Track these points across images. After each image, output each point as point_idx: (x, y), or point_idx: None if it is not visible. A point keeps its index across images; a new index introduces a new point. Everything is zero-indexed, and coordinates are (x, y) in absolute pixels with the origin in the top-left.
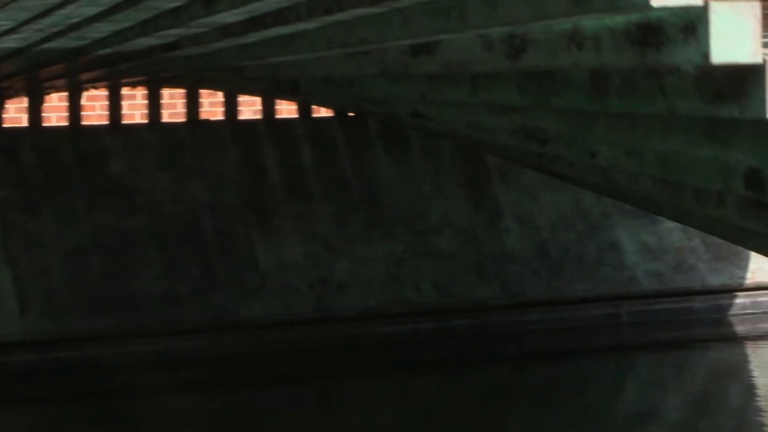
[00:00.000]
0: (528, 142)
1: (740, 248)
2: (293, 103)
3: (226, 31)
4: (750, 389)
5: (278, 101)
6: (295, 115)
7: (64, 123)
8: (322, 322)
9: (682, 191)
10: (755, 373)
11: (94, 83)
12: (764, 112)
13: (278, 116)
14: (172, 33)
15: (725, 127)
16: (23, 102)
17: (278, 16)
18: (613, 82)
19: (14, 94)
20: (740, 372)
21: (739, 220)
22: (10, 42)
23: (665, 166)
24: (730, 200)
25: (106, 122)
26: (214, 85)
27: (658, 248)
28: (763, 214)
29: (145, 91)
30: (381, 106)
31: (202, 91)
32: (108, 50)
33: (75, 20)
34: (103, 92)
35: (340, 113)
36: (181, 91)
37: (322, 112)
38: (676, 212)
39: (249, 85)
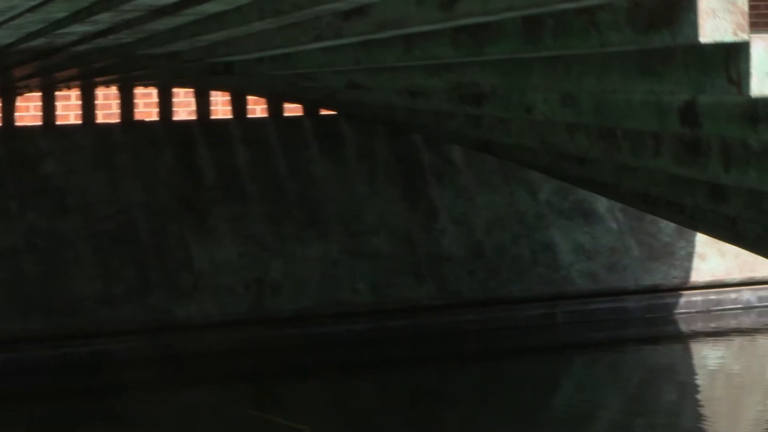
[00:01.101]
0: (464, 105)
1: (674, 248)
2: (227, 93)
3: (159, 11)
4: (682, 388)
5: (213, 102)
6: (229, 116)
7: None
8: (257, 322)
9: (618, 146)
10: (687, 372)
11: (67, 82)
12: (696, 35)
13: (213, 117)
14: (104, 18)
15: (658, 59)
16: None
17: None
18: (546, 24)
19: None
20: (673, 371)
21: (675, 169)
22: None
23: (601, 112)
24: (665, 148)
25: (39, 123)
26: (148, 77)
27: (593, 248)
28: (699, 160)
29: (79, 92)
30: (315, 82)
31: (137, 92)
32: (41, 41)
33: (9, 15)
34: (37, 93)
35: (275, 112)
36: (116, 91)
37: (257, 112)
38: (613, 177)
39: (183, 72)
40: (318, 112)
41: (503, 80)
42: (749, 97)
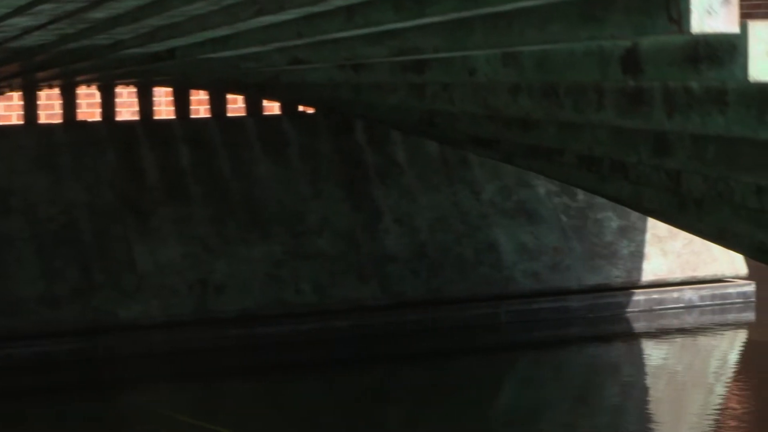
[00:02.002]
0: (407, 74)
1: (616, 248)
2: (170, 93)
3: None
4: (626, 387)
5: (156, 103)
6: (172, 116)
7: None
8: (201, 323)
9: (561, 104)
10: (631, 371)
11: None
12: None
13: (156, 117)
14: (45, 9)
15: (600, 4)
16: None
17: None
18: None
19: None
20: (616, 370)
21: (619, 121)
22: None
23: (543, 68)
24: (608, 101)
25: None
26: (90, 70)
27: (536, 248)
28: (642, 109)
29: (21, 93)
30: (258, 62)
31: (80, 92)
32: None
33: None
34: None
35: (218, 112)
36: (58, 92)
37: (201, 113)
38: (557, 141)
39: (126, 61)
40: (261, 110)
41: (445, 42)
42: (690, 34)
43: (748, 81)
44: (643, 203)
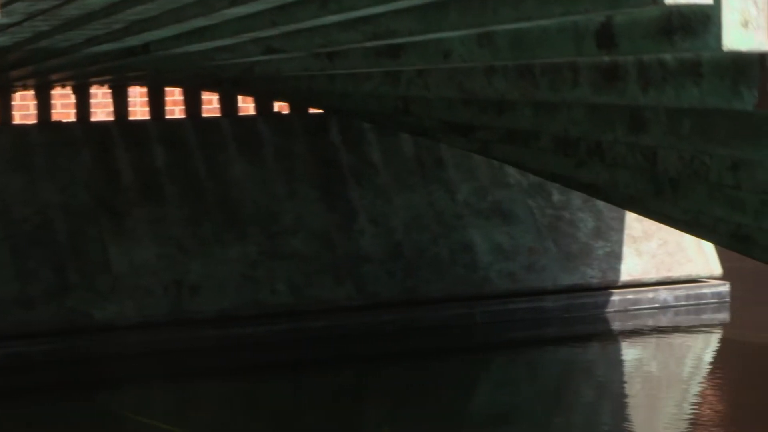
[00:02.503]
0: (381, 59)
1: (591, 248)
2: (145, 94)
3: None
4: (600, 387)
5: (131, 103)
6: (147, 117)
7: None
8: (176, 324)
9: (536, 83)
10: (606, 371)
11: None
12: None
13: (131, 118)
14: (18, 9)
15: None
16: None
17: None
18: None
19: None
20: (591, 370)
21: (594, 97)
22: None
23: (517, 47)
24: (583, 78)
25: None
26: (64, 68)
27: (511, 248)
28: (617, 84)
29: None
30: (233, 53)
31: (54, 93)
32: None
33: None
34: None
35: (193, 113)
36: (33, 93)
37: (176, 113)
38: (532, 123)
39: (100, 59)
40: (236, 111)
41: (420, 24)
42: (663, 6)
43: (722, 51)
44: (619, 189)
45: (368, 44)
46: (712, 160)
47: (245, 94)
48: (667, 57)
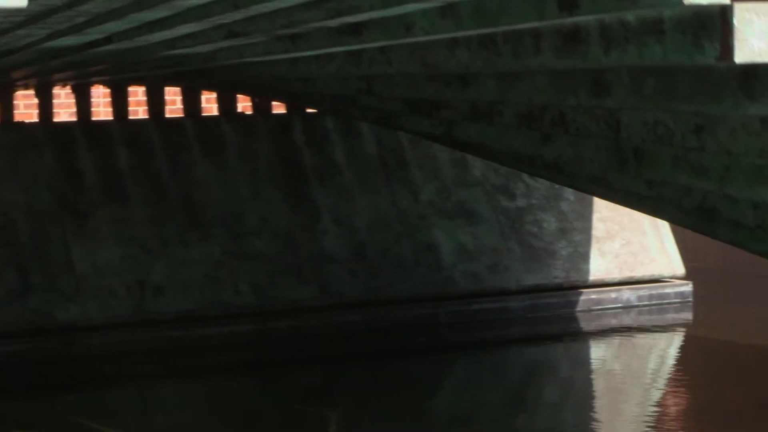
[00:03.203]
0: (344, 37)
1: (555, 248)
2: (108, 94)
3: None
4: (564, 387)
5: (95, 104)
6: (111, 118)
7: None
8: (139, 324)
9: (499, 52)
10: (569, 371)
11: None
12: None
13: (94, 118)
14: None
15: None
16: None
17: None
18: None
19: None
20: (555, 370)
21: (557, 63)
22: None
23: (480, 15)
24: (545, 43)
25: None
26: (26, 67)
27: (475, 249)
28: (579, 48)
29: None
30: (194, 40)
31: (17, 94)
32: None
33: None
34: None
35: (156, 113)
36: None
37: (139, 114)
38: (496, 94)
39: (62, 53)
40: (200, 111)
41: (381, 1)
42: None
43: (683, 6)
44: (584, 165)
45: (331, 23)
46: (676, 124)
47: (208, 87)
48: (629, 16)
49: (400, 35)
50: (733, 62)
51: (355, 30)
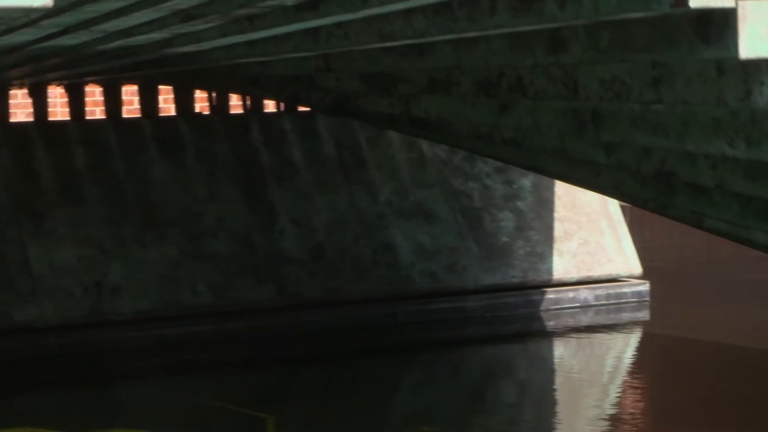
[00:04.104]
0: (302, 13)
1: (512, 248)
2: (65, 95)
3: None
4: (522, 386)
5: (51, 104)
6: (68, 118)
7: None
8: (97, 325)
9: (455, 17)
10: (527, 371)
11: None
12: None
13: (51, 119)
14: None
15: None
16: None
17: None
18: None
19: None
20: (512, 370)
21: (514, 22)
22: None
23: None
24: (501, 4)
25: None
26: None
27: (433, 248)
28: (534, 5)
29: None
30: (149, 28)
31: None
32: None
33: None
34: None
35: (113, 113)
36: None
37: (96, 114)
38: (453, 60)
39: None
40: (157, 112)
41: None
42: None
43: None
44: (542, 135)
45: (288, 0)
46: (632, 79)
47: (166, 80)
48: None
49: (357, 8)
50: (688, 7)
51: (313, 5)
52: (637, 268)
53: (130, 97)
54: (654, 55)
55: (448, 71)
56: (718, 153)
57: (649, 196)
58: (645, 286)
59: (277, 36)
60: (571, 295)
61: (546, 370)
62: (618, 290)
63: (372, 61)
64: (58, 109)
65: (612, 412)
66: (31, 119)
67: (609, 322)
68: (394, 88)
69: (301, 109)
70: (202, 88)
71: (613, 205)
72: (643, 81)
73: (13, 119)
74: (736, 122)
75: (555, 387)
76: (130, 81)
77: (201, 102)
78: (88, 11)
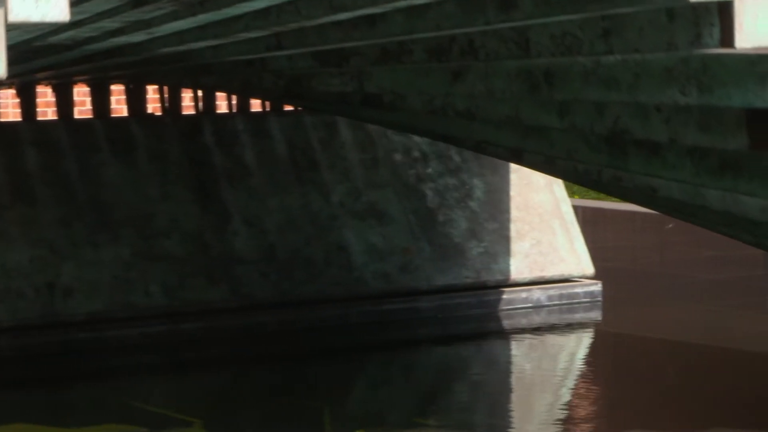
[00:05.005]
0: None
1: (465, 248)
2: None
3: None
4: (475, 387)
5: (3, 105)
6: (19, 119)
7: None
8: (48, 326)
9: None
10: (480, 371)
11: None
12: None
13: (2, 120)
14: None
15: None
16: None
17: None
18: None
19: None
20: (464, 370)
21: None
22: None
23: None
24: None
25: None
26: None
27: (385, 249)
28: None
29: None
30: (99, 18)
31: None
32: None
33: None
34: None
35: (65, 114)
36: None
37: (48, 115)
38: (404, 29)
39: None
40: (109, 112)
41: None
42: None
43: None
44: (495, 104)
45: None
46: (584, 32)
47: (116, 76)
48: None
49: None
50: None
51: None
52: (589, 269)
53: (83, 98)
54: (604, 5)
55: (400, 40)
56: (670, 103)
57: (602, 161)
58: (597, 286)
59: (228, 18)
60: (523, 295)
61: (499, 370)
62: (570, 290)
63: (323, 35)
64: (10, 110)
65: (564, 411)
66: None
67: (562, 322)
68: (346, 63)
69: (254, 110)
70: (153, 82)
71: (566, 206)
72: (594, 33)
73: None
74: (688, 69)
75: (508, 387)
76: (83, 80)
77: (153, 103)
78: None
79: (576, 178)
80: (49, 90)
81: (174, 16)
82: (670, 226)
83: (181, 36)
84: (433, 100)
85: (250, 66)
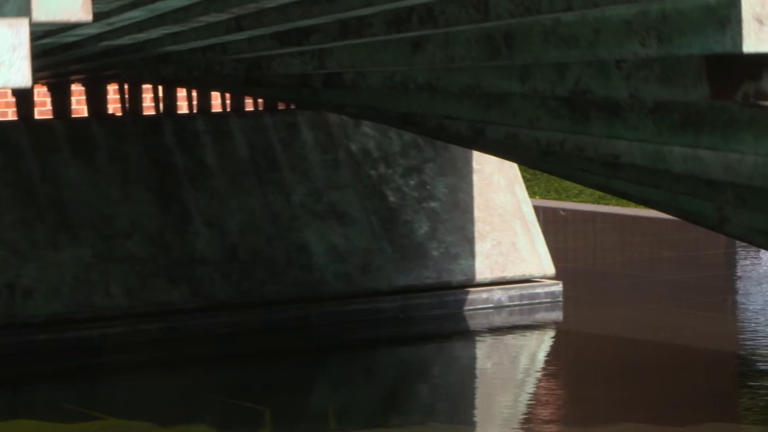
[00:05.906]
0: None
1: (426, 248)
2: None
3: None
4: (436, 387)
5: None
6: None
7: None
8: (9, 328)
9: None
10: (441, 372)
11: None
12: None
13: None
14: None
15: None
16: None
17: None
18: None
19: None
20: (425, 370)
21: None
22: None
23: None
24: None
25: None
26: None
27: (346, 250)
28: None
29: None
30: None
31: None
32: None
33: None
34: None
35: (25, 115)
36: None
37: (9, 115)
38: (362, 3)
39: None
40: (70, 113)
41: None
42: None
43: None
44: (456, 74)
45: None
46: None
47: (76, 71)
48: None
49: None
50: None
51: None
52: (550, 269)
53: (43, 99)
54: None
55: (358, 14)
56: (631, 56)
57: (565, 127)
58: (558, 287)
59: (187, 5)
60: (485, 295)
61: (460, 370)
62: (531, 291)
63: (283, 14)
64: None
65: (525, 410)
66: None
67: (522, 323)
68: (307, 40)
69: (215, 110)
70: (113, 78)
71: (527, 206)
72: None
73: None
74: (647, 20)
75: (469, 387)
76: (43, 79)
77: (114, 103)
78: None
79: (539, 156)
80: (8, 91)
81: (133, 3)
82: (562, 212)
83: (140, 26)
84: (393, 76)
85: (211, 51)
